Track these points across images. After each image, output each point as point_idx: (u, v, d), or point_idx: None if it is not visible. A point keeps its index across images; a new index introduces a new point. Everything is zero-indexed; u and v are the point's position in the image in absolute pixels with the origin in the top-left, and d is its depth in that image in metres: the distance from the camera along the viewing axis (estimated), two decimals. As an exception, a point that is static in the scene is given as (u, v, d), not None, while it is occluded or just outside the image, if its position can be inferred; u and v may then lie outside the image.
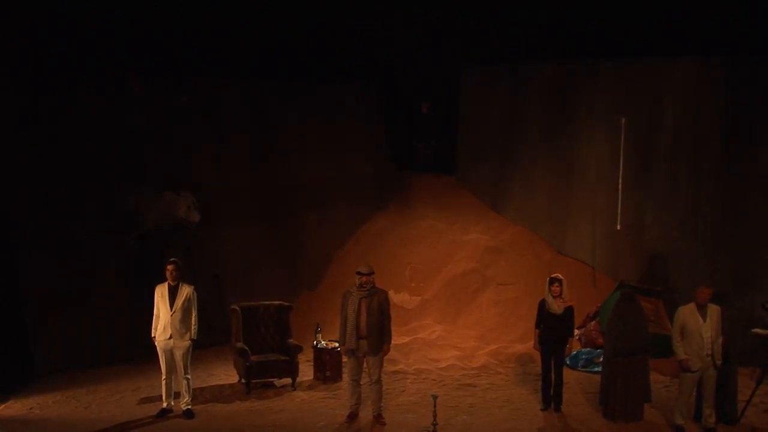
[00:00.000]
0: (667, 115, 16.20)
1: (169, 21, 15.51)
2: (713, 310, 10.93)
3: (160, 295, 11.84)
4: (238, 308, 13.55)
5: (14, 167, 14.15)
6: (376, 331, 11.31)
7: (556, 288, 11.87)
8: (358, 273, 11.45)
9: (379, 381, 11.51)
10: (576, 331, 13.26)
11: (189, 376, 11.92)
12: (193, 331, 11.84)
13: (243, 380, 13.22)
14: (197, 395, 12.42)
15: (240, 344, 13.19)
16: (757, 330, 12.68)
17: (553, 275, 12.17)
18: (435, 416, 10.47)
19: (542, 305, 12.01)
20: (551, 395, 12.07)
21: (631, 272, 15.74)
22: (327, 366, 13.69)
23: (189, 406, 11.88)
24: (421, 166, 19.68)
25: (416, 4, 17.31)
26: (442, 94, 19.30)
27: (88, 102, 14.81)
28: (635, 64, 16.40)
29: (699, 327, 10.85)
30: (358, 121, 18.79)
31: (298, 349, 13.49)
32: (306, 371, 13.81)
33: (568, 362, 13.10)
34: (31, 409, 12.36)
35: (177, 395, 11.98)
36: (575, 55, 16.92)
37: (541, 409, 12.08)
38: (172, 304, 11.72)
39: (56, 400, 12.75)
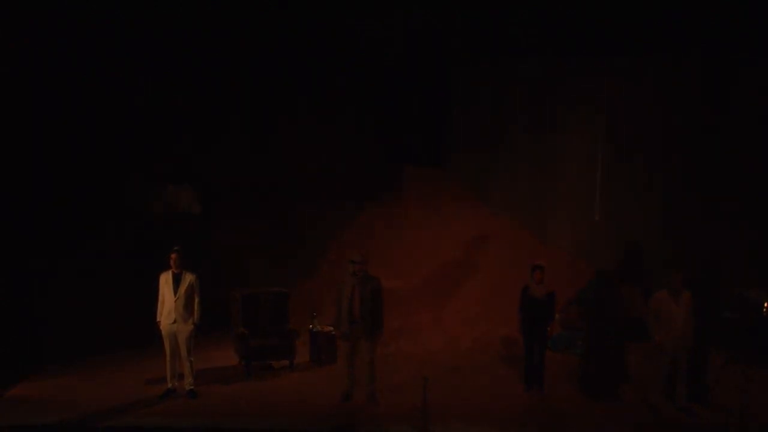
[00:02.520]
0: (644, 109, 16.62)
1: (170, 19, 15.64)
2: (685, 295, 11.36)
3: (164, 281, 12.13)
4: (238, 295, 13.86)
5: (24, 161, 14.31)
6: (368, 316, 11.64)
7: (538, 274, 12.23)
8: (352, 261, 11.79)
9: (371, 363, 11.82)
10: (557, 316, 13.49)
11: (192, 359, 12.17)
12: (196, 316, 12.14)
13: (243, 362, 13.52)
14: (200, 377, 12.57)
15: (240, 328, 13.54)
16: (726, 314, 13.30)
17: (535, 262, 12.50)
18: (425, 397, 10.68)
19: (525, 291, 12.34)
20: (534, 376, 12.42)
21: (609, 259, 15.96)
22: (322, 349, 14.01)
23: (192, 387, 12.18)
24: (412, 158, 19.68)
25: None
26: (432, 88, 19.33)
27: None
28: (615, 59, 16.70)
29: (672, 311, 11.31)
30: (351, 115, 18.77)
31: (295, 333, 13.87)
32: (302, 354, 14.11)
33: (549, 345, 13.31)
34: (42, 390, 12.50)
35: (181, 377, 12.25)
36: (560, 51, 17.23)
37: (525, 390, 12.45)
38: (175, 290, 12.04)
39: (64, 382, 12.91)
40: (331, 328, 13.44)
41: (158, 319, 12.24)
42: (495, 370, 13.75)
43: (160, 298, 12.23)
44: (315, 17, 16.81)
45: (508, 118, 18.52)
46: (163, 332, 12.22)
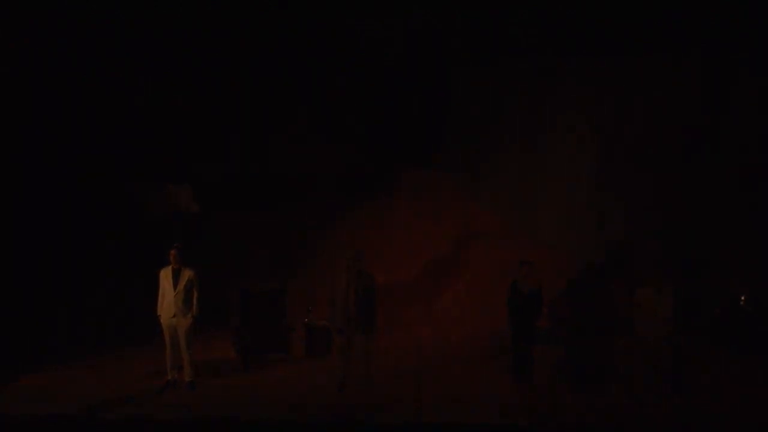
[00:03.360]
0: (643, 109, 16.74)
1: (170, 19, 15.77)
2: (668, 291, 11.59)
3: (164, 277, 12.44)
4: (237, 291, 14.14)
5: (24, 161, 14.49)
6: (363, 311, 11.92)
7: (526, 269, 12.43)
8: (347, 258, 12.06)
9: (367, 356, 12.11)
10: (544, 310, 13.28)
11: (191, 351, 12.47)
12: (195, 310, 12.44)
13: (241, 355, 13.80)
14: (199, 369, 12.80)
15: (238, 323, 13.86)
16: (709, 308, 13.50)
17: (523, 259, 12.68)
18: (418, 389, 11.09)
19: (513, 286, 12.54)
20: (522, 369, 12.59)
21: (597, 256, 16.11)
22: (317, 342, 14.30)
23: (191, 379, 12.47)
24: (410, 158, 19.54)
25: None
26: (432, 88, 19.30)
27: None
28: (615, 59, 16.87)
29: (656, 306, 11.54)
30: (351, 115, 18.85)
31: (291, 327, 14.17)
32: (298, 347, 14.38)
33: (537, 339, 13.24)
34: (47, 381, 12.71)
35: (181, 369, 12.51)
36: (559, 51, 17.33)
37: (514, 382, 12.61)
38: (175, 285, 12.34)
39: (69, 374, 13.14)
40: (326, 322, 13.71)
41: (158, 313, 12.52)
42: (485, 363, 13.96)
43: (161, 292, 12.51)
44: (315, 17, 16.89)
45: (508, 118, 18.59)
46: (163, 326, 12.51)
